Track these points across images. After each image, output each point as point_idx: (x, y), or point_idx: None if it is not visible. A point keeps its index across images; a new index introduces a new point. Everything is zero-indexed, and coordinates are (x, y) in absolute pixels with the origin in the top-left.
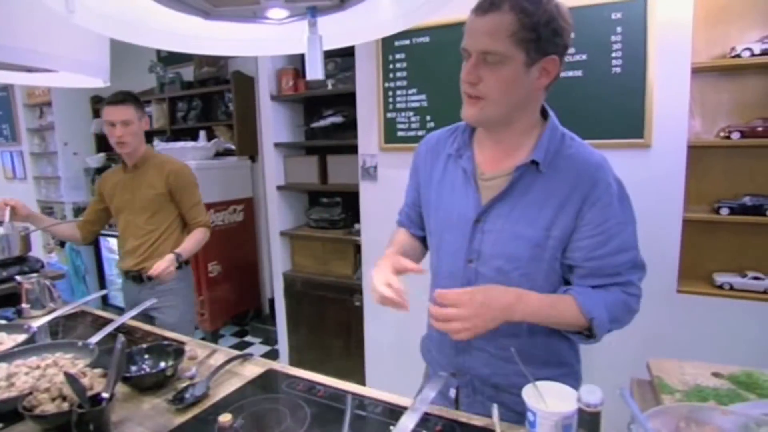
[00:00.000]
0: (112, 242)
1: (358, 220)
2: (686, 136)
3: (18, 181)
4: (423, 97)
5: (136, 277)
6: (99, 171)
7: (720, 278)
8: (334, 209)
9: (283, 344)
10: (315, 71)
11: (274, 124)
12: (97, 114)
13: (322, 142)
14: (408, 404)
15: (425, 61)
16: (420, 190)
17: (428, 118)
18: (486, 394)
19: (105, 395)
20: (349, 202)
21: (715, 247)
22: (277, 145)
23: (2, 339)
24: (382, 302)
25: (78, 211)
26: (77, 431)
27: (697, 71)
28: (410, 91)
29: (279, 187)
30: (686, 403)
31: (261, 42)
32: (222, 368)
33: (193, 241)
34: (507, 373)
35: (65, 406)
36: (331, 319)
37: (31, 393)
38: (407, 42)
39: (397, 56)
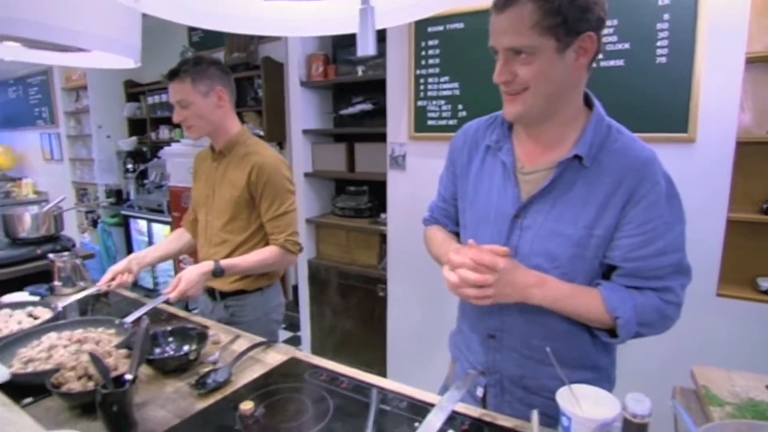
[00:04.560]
0: (142, 224)
1: (384, 210)
2: (735, 131)
3: (55, 162)
4: (455, 85)
5: (207, 290)
6: (130, 154)
7: (765, 283)
8: (361, 198)
9: (305, 331)
10: (366, 46)
11: (303, 111)
12: (130, 98)
13: (351, 130)
14: (433, 401)
15: (459, 48)
16: (456, 182)
17: (460, 107)
18: (515, 395)
19: (128, 377)
20: (376, 190)
21: (760, 249)
22: (305, 131)
23: (40, 313)
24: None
25: (110, 193)
26: (101, 411)
27: (752, 61)
28: (442, 79)
29: (306, 174)
30: (747, 420)
31: (320, 22)
32: (245, 354)
33: (257, 259)
34: (538, 375)
35: (90, 385)
36: (354, 308)
37: (58, 370)
38: (440, 28)
39: (430, 43)
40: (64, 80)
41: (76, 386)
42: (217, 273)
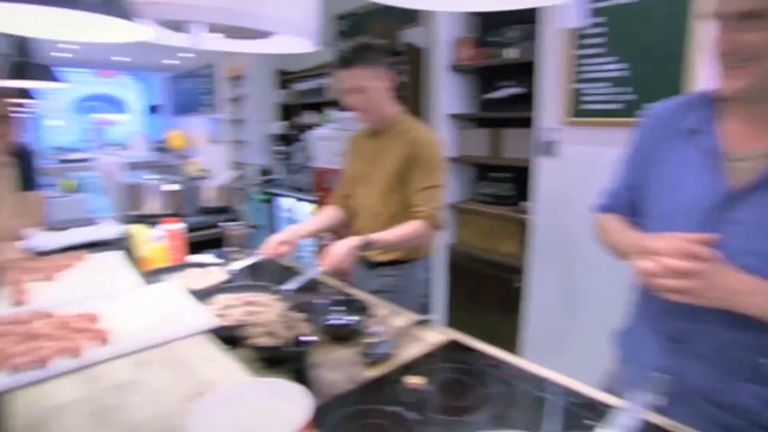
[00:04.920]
0: (286, 202)
1: (525, 198)
2: None
3: (216, 143)
4: (624, 65)
5: (362, 261)
6: (279, 137)
7: None
8: (504, 185)
9: (438, 315)
10: (579, 16)
11: (447, 95)
12: (281, 86)
13: (496, 114)
14: (606, 400)
15: (630, 24)
16: (642, 168)
17: (629, 89)
18: (702, 409)
19: (309, 338)
20: (518, 177)
21: None
22: (451, 116)
23: (217, 274)
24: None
25: (263, 172)
26: (287, 366)
27: None
28: (607, 59)
29: (449, 159)
30: None
31: None
32: (405, 330)
33: (403, 232)
34: (736, 391)
35: (273, 342)
36: (489, 297)
37: (243, 326)
38: (606, 4)
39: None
40: (226, 71)
41: (261, 341)
42: (366, 247)
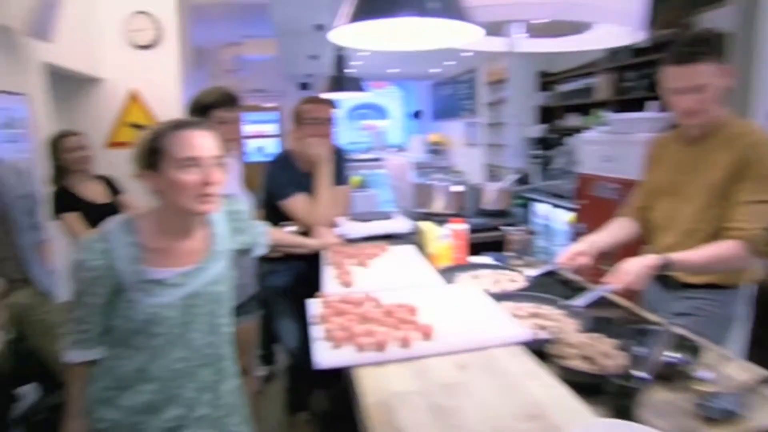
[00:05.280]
0: (541, 208)
1: None
2: None
3: (473, 146)
4: None
5: (661, 279)
6: (539, 141)
7: None
8: None
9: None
10: None
11: None
12: (543, 87)
13: None
14: None
15: None
16: None
17: None
18: None
19: (643, 375)
20: None
21: None
22: None
23: (499, 278)
24: None
25: (522, 180)
26: (608, 399)
27: None
28: None
29: None
30: None
31: None
32: (753, 387)
33: (712, 253)
34: None
35: (590, 367)
36: None
37: (552, 341)
38: None
39: None
40: (487, 76)
41: (576, 363)
42: (664, 267)
